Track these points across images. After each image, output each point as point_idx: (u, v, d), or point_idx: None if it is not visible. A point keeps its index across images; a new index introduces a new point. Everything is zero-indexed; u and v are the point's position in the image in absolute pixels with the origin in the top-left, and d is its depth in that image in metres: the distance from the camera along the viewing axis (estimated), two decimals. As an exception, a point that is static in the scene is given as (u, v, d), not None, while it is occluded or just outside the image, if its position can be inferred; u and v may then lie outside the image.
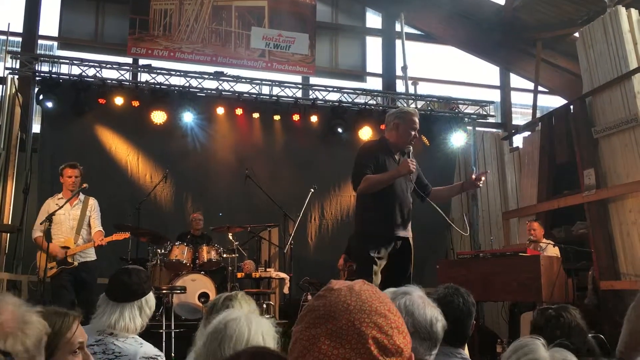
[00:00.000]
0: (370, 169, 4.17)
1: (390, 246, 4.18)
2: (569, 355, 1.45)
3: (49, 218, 5.49)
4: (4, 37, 8.44)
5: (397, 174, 4.13)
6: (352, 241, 7.94)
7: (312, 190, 7.00)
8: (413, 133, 4.26)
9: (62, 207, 5.69)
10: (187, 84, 8.47)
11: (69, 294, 5.68)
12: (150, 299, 2.56)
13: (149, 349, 2.41)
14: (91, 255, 5.90)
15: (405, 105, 9.44)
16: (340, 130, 8.90)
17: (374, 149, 4.35)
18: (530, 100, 10.25)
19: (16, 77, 8.24)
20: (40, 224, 5.68)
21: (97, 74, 8.15)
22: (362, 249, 4.22)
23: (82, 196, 5.96)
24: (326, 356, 0.92)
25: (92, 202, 6.01)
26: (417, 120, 4.30)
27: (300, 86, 9.32)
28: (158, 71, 8.43)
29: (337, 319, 0.95)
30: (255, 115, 8.71)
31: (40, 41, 9.50)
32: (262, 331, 1.70)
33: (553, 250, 6.61)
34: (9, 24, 8.46)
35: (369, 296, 1.00)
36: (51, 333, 1.76)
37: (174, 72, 8.50)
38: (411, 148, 4.27)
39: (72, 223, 5.81)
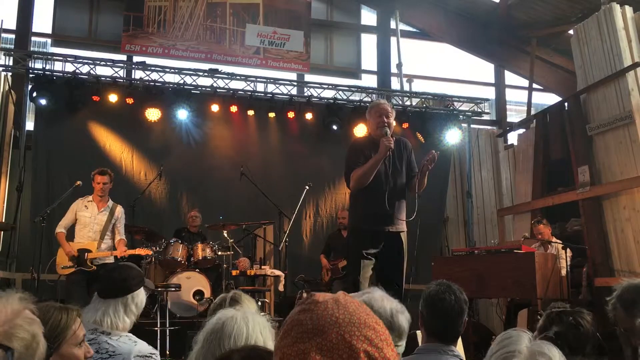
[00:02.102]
0: (359, 166, 4.18)
1: (381, 241, 4.18)
2: (548, 347, 1.46)
3: (44, 214, 5.59)
4: (-3, 34, 8.40)
5: (379, 157, 4.14)
6: (334, 239, 7.98)
7: (307, 187, 6.99)
8: (380, 118, 4.24)
9: (74, 205, 5.93)
10: (181, 81, 8.44)
11: (82, 292, 5.73)
12: (138, 296, 2.50)
13: (143, 347, 2.39)
14: (110, 258, 6.05)
15: (400, 102, 9.43)
16: (335, 127, 8.89)
17: (361, 146, 4.36)
18: (525, 97, 10.26)
19: (9, 74, 8.19)
20: (39, 218, 5.95)
21: (91, 71, 8.11)
22: (354, 245, 4.23)
23: (110, 202, 6.16)
24: None
25: (120, 210, 6.20)
26: (382, 106, 4.30)
27: (295, 83, 9.30)
28: (152, 68, 8.40)
29: (326, 333, 0.91)
30: (250, 112, 8.69)
31: (33, 38, 9.44)
32: (260, 329, 1.69)
33: (558, 248, 6.54)
34: (2, 20, 8.41)
35: (355, 308, 0.96)
36: (57, 327, 1.79)
37: (168, 69, 8.47)
38: (387, 129, 4.21)
39: (97, 227, 5.99)
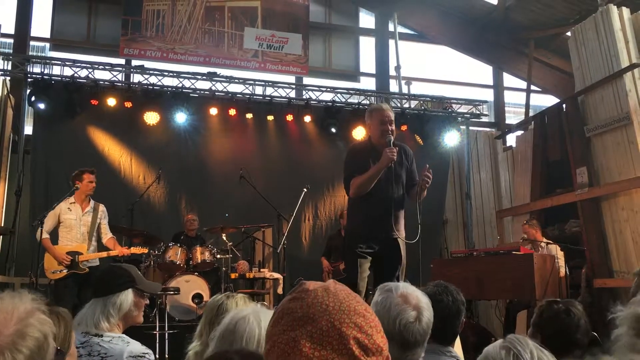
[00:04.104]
0: (358, 172, 4.15)
1: (378, 246, 4.17)
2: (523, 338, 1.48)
3: (41, 220, 5.49)
4: (-4, 39, 8.42)
5: (380, 167, 4.10)
6: (334, 241, 7.95)
7: (305, 190, 6.99)
8: (384, 126, 4.18)
9: (56, 207, 5.69)
10: (180, 85, 8.44)
11: (71, 296, 5.65)
12: (119, 297, 2.42)
13: (135, 347, 2.36)
14: (97, 261, 5.95)
15: (398, 104, 9.44)
16: (333, 130, 8.90)
17: (360, 151, 4.33)
18: (523, 99, 10.28)
19: (8, 78, 8.20)
20: (38, 222, 5.62)
21: (90, 75, 8.12)
22: (349, 246, 4.22)
23: (92, 202, 6.00)
24: (308, 359, 0.90)
25: (103, 208, 6.08)
26: (386, 113, 4.22)
27: (293, 86, 9.31)
28: (151, 72, 8.40)
29: (316, 321, 0.93)
30: (249, 115, 8.69)
31: (32, 42, 9.46)
32: None
33: (554, 249, 6.55)
34: (0, 25, 8.42)
35: (345, 296, 0.98)
36: (68, 330, 1.80)
37: (166, 73, 8.47)
38: (391, 137, 4.17)
39: (84, 229, 5.84)
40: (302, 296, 0.98)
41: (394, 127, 4.23)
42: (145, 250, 6.48)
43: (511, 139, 10.05)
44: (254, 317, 1.68)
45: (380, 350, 0.95)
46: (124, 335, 2.41)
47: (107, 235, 6.05)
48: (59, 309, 1.94)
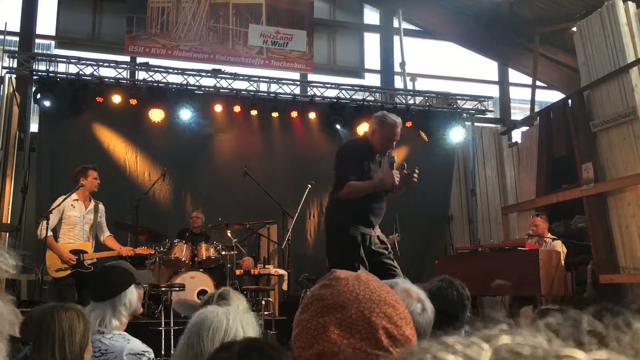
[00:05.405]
0: (354, 175, 4.05)
1: (368, 243, 4.11)
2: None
3: (46, 216, 5.46)
4: (1, 37, 8.44)
5: (380, 186, 4.05)
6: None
7: (310, 186, 7.00)
8: (390, 144, 4.13)
9: (58, 206, 5.66)
10: (184, 82, 8.45)
11: (74, 293, 5.63)
12: (126, 296, 2.46)
13: (136, 345, 2.38)
14: (94, 259, 5.88)
15: (403, 101, 9.42)
16: (338, 126, 8.89)
17: (358, 151, 4.21)
18: (529, 95, 10.24)
19: (14, 76, 8.22)
20: (42, 219, 5.54)
21: (95, 73, 8.13)
22: (347, 248, 4.09)
23: (93, 201, 5.93)
24: (336, 346, 0.91)
25: (102, 207, 6.02)
26: (396, 132, 4.12)
27: (298, 83, 9.31)
28: (155, 69, 8.41)
29: (346, 309, 0.93)
30: (253, 112, 8.69)
31: (37, 40, 9.49)
32: (242, 322, 1.69)
33: (558, 245, 6.54)
34: (6, 23, 8.46)
35: (376, 286, 0.98)
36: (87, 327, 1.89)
37: (171, 70, 8.49)
38: (395, 158, 4.17)
39: (87, 227, 5.77)
40: (333, 284, 0.98)
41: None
42: (152, 251, 6.48)
43: (516, 135, 10.03)
44: (223, 312, 1.70)
45: (408, 341, 0.96)
46: (124, 333, 2.44)
47: (105, 233, 5.99)
48: (78, 306, 1.97)
